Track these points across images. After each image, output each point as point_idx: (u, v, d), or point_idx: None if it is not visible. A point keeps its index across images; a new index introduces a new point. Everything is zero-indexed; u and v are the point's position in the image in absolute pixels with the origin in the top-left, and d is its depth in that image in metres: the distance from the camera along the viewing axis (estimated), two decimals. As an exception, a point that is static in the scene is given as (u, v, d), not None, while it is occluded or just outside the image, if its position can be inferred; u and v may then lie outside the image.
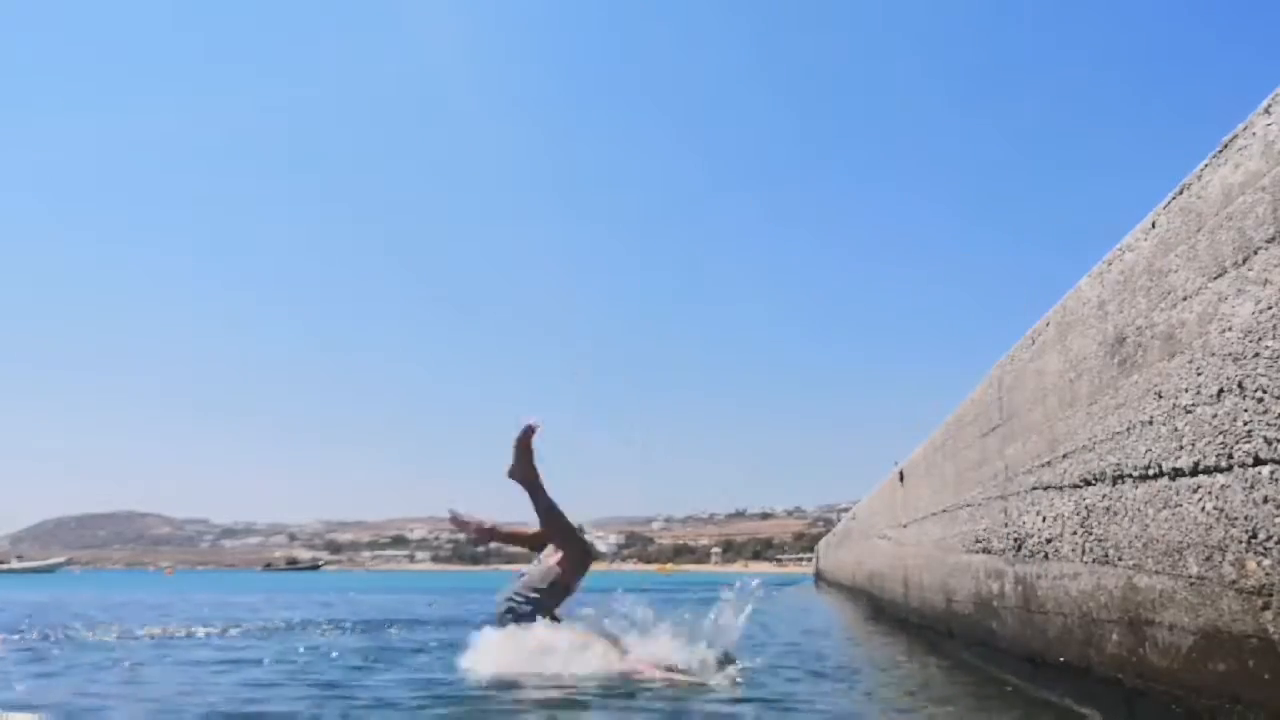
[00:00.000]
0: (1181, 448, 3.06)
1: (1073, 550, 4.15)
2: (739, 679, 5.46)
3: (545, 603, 6.05)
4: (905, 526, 10.23)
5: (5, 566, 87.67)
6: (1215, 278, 2.87)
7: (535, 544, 6.54)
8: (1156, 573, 3.25)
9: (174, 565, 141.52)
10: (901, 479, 10.53)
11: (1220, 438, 2.79)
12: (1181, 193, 3.19)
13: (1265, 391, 2.53)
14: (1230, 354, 2.74)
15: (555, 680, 5.31)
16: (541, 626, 5.82)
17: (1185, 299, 3.08)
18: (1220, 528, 2.78)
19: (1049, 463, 4.55)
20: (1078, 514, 4.09)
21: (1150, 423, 3.31)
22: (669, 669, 5.45)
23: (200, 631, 10.15)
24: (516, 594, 6.09)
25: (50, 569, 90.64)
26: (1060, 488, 4.35)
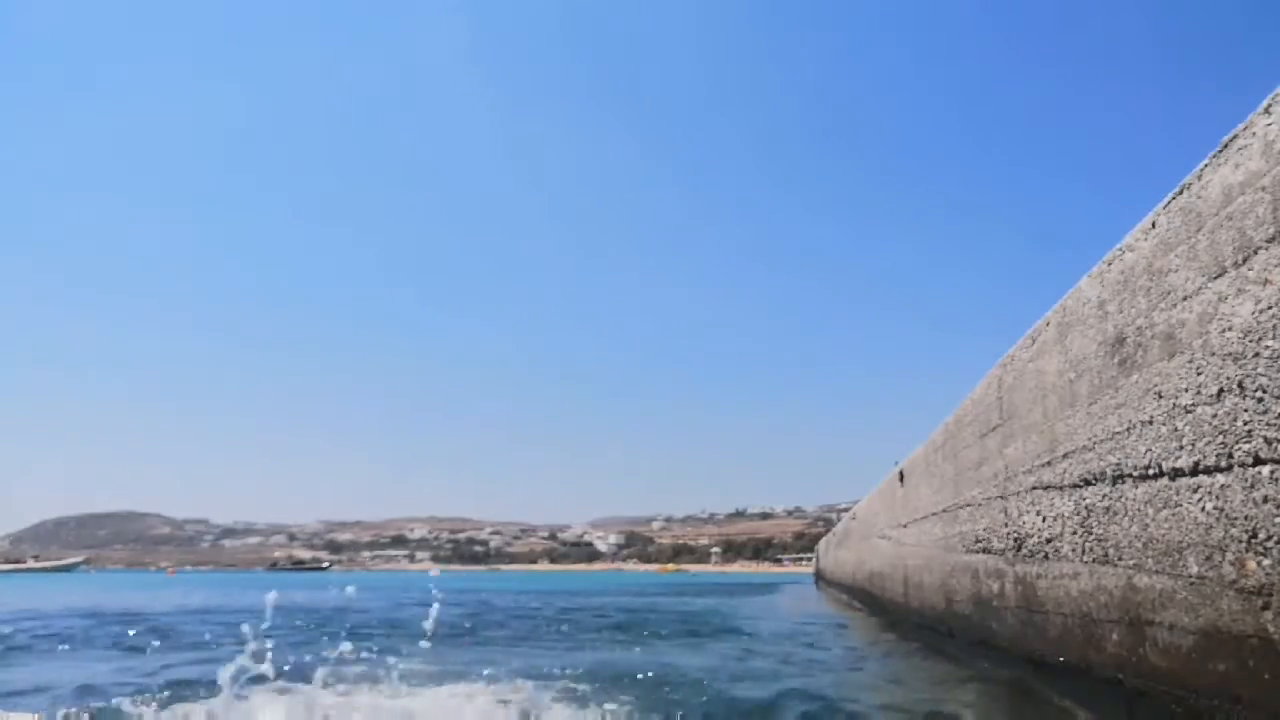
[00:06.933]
0: (1181, 448, 3.06)
1: (1073, 550, 4.16)
2: None
3: None
4: (905, 526, 10.23)
5: (23, 566, 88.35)
6: (1215, 278, 2.88)
7: None
8: (1156, 573, 3.25)
9: (174, 565, 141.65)
10: (902, 479, 10.54)
11: (1220, 438, 2.79)
12: (1181, 193, 3.19)
13: (1265, 391, 2.54)
14: (1230, 354, 2.74)
15: None
16: None
17: (1185, 299, 3.09)
18: (1220, 528, 2.78)
19: (1049, 463, 4.56)
20: (1078, 514, 4.10)
21: (1150, 423, 3.31)
22: None
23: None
24: None
25: (68, 568, 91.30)
26: (1060, 488, 4.36)
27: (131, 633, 10.32)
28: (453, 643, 9.09)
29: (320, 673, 5.11)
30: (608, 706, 4.72)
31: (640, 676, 6.08)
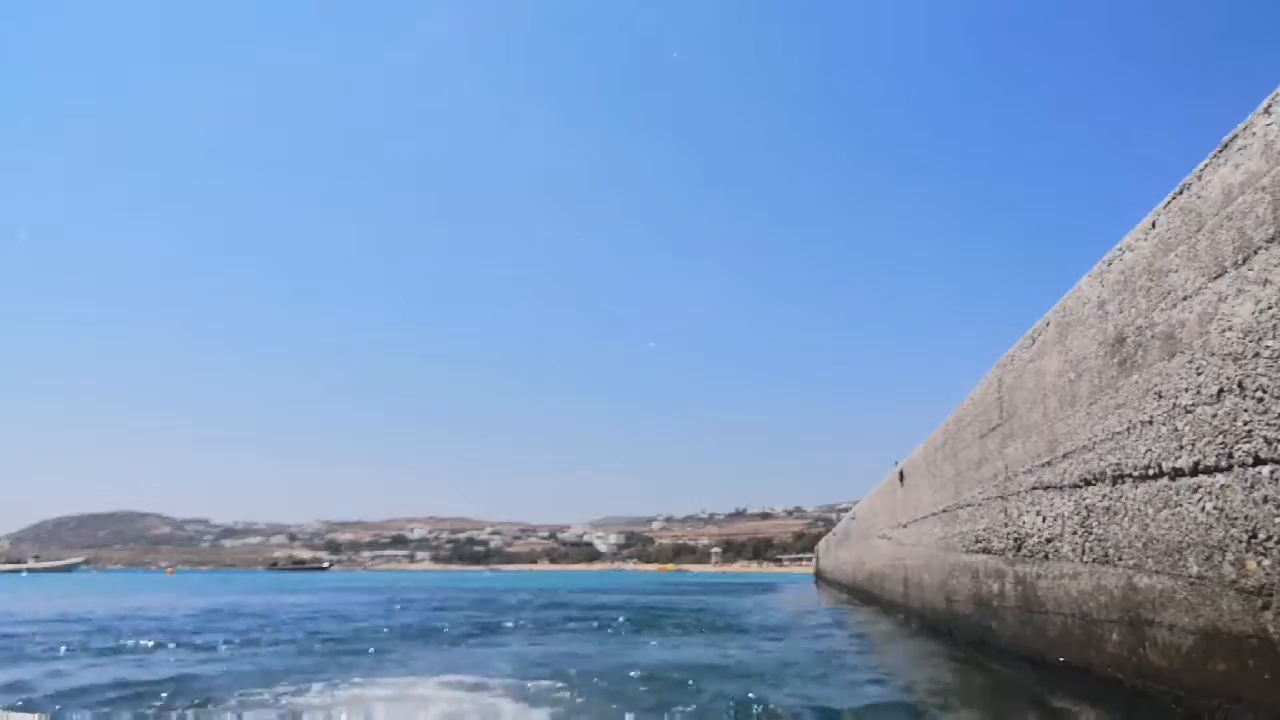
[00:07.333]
0: (1181, 448, 3.06)
1: (1073, 550, 4.16)
2: None
3: None
4: (905, 526, 10.23)
5: (24, 566, 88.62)
6: (1215, 278, 2.88)
7: None
8: (1156, 573, 3.26)
9: (174, 565, 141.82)
10: (902, 479, 10.54)
11: (1220, 438, 2.79)
12: (1181, 193, 3.20)
13: (1265, 391, 2.54)
14: (1230, 354, 2.74)
15: None
16: None
17: (1185, 299, 3.09)
18: (1220, 528, 2.79)
19: (1049, 463, 4.56)
20: (1078, 514, 4.10)
21: (1150, 423, 3.32)
22: None
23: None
24: None
25: (68, 569, 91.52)
26: (1060, 488, 4.36)
27: (135, 636, 10.32)
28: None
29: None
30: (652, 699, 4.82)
31: (662, 669, 6.19)
